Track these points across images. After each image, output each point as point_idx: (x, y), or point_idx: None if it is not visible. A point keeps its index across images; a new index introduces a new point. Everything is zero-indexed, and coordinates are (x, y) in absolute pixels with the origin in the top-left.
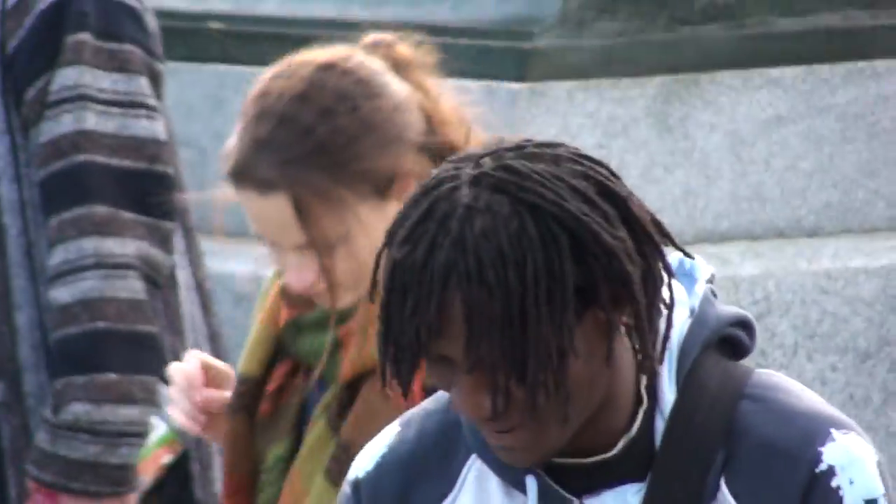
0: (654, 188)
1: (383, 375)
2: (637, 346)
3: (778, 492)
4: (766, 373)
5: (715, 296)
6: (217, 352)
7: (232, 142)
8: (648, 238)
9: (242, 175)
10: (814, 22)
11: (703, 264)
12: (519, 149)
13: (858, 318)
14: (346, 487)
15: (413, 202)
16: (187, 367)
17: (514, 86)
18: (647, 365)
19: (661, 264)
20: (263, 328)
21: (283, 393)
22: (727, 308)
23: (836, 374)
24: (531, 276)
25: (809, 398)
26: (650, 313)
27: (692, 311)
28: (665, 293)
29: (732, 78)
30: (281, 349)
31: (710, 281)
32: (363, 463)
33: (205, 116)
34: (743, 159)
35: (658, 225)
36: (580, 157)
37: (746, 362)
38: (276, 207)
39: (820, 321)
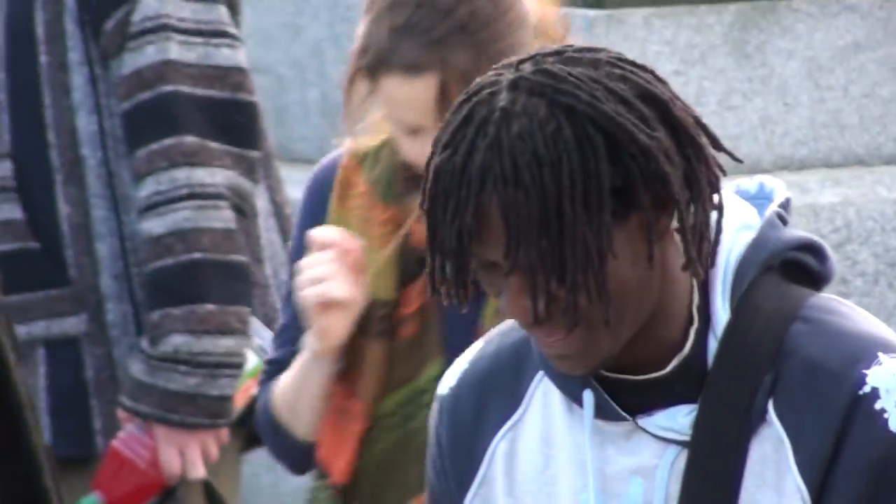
0: (732, 115)
1: (433, 285)
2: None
3: (820, 412)
4: (827, 297)
5: (785, 221)
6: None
7: (363, 36)
8: (691, 140)
9: (388, 61)
10: None
11: (781, 189)
12: (558, 53)
13: None
14: (434, 403)
15: (456, 108)
16: (328, 235)
17: (592, 12)
18: (693, 268)
19: (707, 169)
20: (387, 252)
21: (425, 313)
22: (793, 232)
23: None
24: (567, 178)
25: (864, 322)
26: (695, 216)
27: None
28: (715, 199)
29: (810, 4)
30: (415, 269)
31: (785, 206)
32: (448, 379)
33: (282, 44)
34: (821, 86)
35: (705, 129)
36: (621, 61)
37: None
38: (424, 88)
39: None
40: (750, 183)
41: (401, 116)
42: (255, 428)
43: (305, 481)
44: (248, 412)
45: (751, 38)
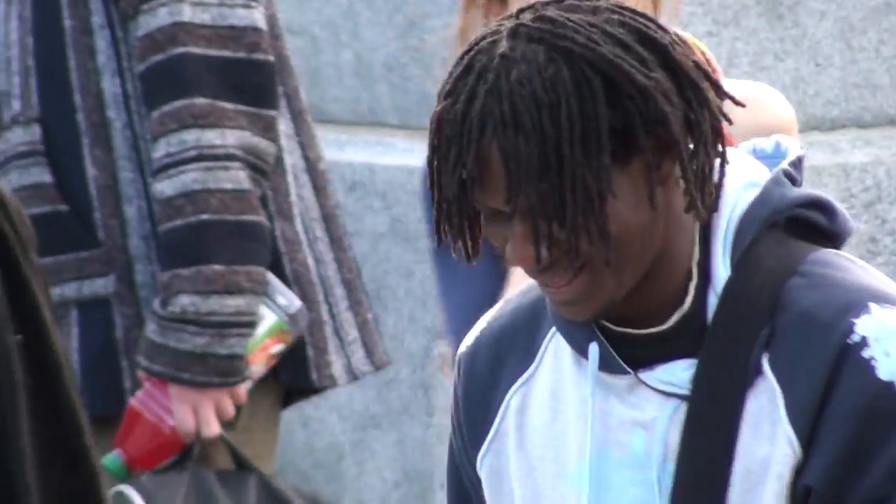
0: (764, 76)
1: (439, 237)
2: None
3: (810, 362)
4: (831, 252)
5: (794, 179)
6: (330, 233)
7: None
8: (691, 83)
9: None
10: None
11: (795, 147)
12: (558, 1)
13: None
14: (455, 363)
15: (459, 59)
16: None
17: None
18: (695, 210)
19: (709, 113)
20: None
21: None
22: (800, 190)
23: None
24: (565, 120)
25: (861, 274)
26: (697, 159)
27: None
28: (719, 145)
29: None
30: None
31: (796, 164)
32: (468, 338)
33: (316, 5)
34: (853, 47)
35: (707, 74)
36: (621, 8)
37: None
38: None
39: None
40: (766, 142)
41: None
42: (289, 384)
43: (339, 437)
44: (276, 369)
45: None
